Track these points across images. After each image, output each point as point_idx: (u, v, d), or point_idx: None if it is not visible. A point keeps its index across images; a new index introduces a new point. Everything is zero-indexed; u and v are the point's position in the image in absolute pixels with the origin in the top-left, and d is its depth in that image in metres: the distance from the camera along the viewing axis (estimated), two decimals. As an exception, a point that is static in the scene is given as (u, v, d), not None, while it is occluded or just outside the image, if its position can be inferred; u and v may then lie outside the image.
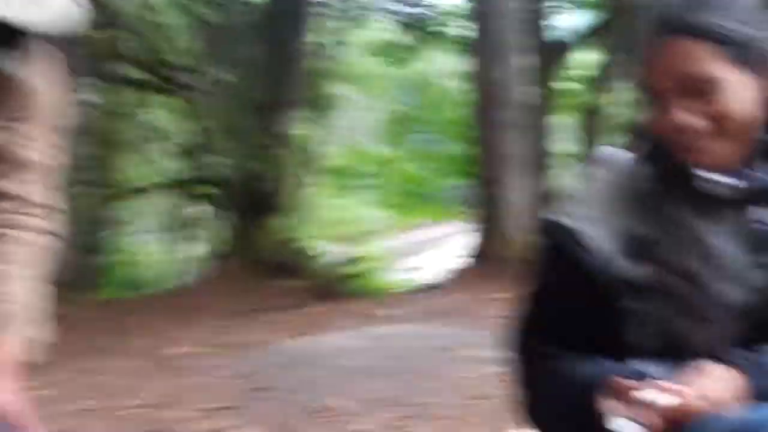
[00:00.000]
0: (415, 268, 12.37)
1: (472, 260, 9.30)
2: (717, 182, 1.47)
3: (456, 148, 14.72)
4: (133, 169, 12.97)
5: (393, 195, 18.77)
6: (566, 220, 1.56)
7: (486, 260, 8.89)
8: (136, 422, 4.50)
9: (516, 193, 9.13)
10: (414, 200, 20.11)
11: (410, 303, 8.14)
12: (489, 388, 4.35)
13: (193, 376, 5.45)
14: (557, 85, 11.76)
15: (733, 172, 1.48)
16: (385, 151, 19.61)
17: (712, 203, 1.50)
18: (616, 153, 1.62)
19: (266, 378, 5.10)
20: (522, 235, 8.51)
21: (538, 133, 9.91)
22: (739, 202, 1.50)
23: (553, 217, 1.60)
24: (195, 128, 11.75)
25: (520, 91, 9.35)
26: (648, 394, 1.31)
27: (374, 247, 12.21)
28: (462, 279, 8.88)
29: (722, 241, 1.50)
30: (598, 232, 1.52)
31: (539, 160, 9.83)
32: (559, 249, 1.56)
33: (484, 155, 9.47)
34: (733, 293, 1.48)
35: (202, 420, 4.48)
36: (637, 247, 1.51)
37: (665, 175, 1.53)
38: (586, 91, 12.55)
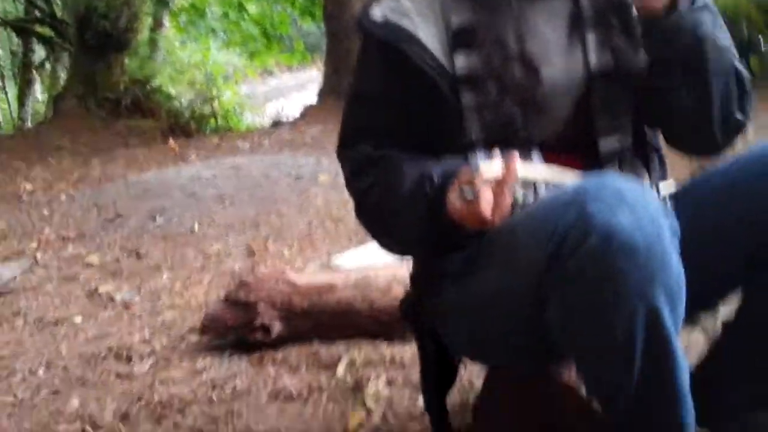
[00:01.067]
0: (269, 112, 12.26)
1: (324, 95, 9.30)
2: None
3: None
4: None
5: (247, 38, 18.33)
6: (390, 15, 1.47)
7: (338, 94, 8.89)
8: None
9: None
10: (268, 43, 19.65)
11: (265, 136, 8.18)
12: (342, 212, 4.53)
13: (44, 208, 5.41)
14: None
15: None
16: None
17: None
18: None
19: (120, 208, 5.10)
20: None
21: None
22: None
23: (374, 13, 1.49)
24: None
25: None
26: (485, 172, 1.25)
27: (228, 89, 12.01)
28: (315, 114, 8.93)
29: (545, 22, 1.47)
30: (423, 24, 1.45)
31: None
32: (385, 46, 1.46)
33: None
34: (559, 73, 1.46)
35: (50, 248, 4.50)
36: (462, 37, 1.44)
37: None
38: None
